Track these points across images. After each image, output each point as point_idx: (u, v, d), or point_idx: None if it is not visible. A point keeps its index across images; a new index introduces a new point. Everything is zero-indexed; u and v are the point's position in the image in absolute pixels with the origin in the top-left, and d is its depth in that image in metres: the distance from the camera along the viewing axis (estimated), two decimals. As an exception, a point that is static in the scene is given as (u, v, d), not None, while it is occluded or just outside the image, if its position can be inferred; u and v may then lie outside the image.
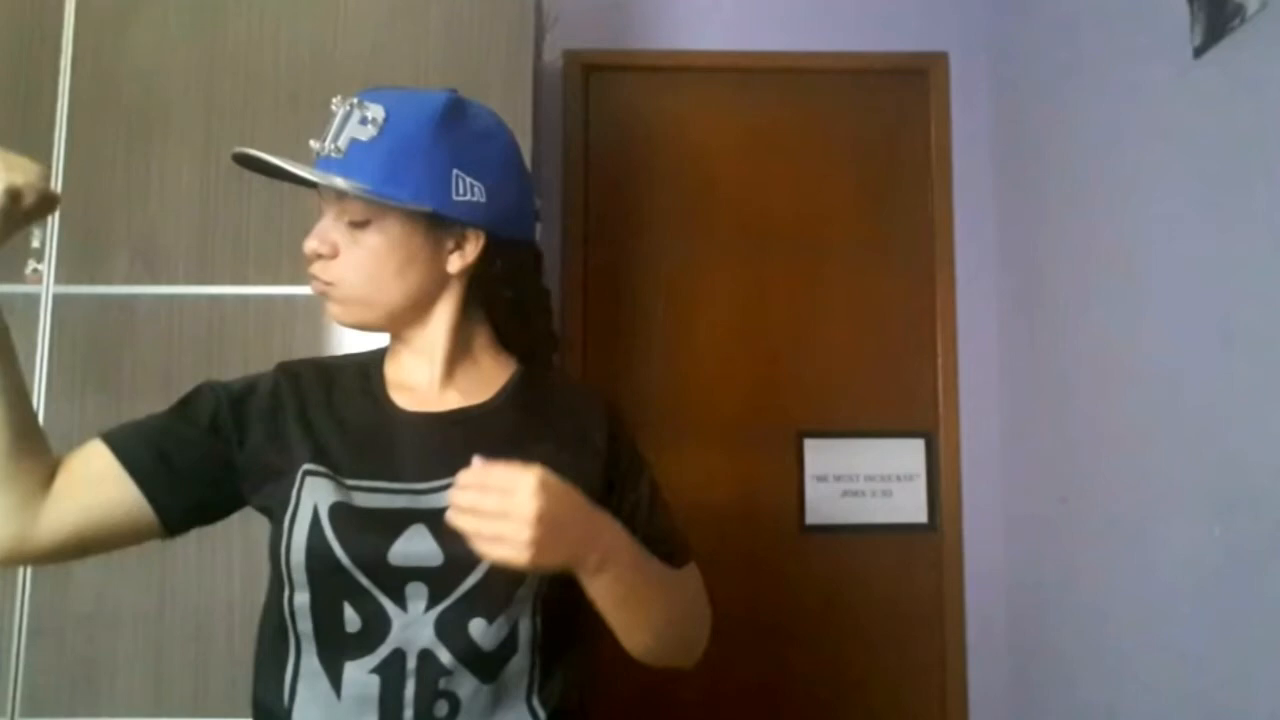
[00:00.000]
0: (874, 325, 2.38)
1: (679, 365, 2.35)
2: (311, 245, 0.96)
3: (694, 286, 2.38)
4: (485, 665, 0.92)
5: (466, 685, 0.91)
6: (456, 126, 0.96)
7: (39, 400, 1.68)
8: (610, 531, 0.90)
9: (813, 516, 2.32)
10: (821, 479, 2.34)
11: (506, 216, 0.99)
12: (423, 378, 1.01)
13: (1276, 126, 1.30)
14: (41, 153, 1.73)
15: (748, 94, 2.44)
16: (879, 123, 2.44)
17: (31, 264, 1.72)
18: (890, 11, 2.44)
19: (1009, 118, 2.31)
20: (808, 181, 2.42)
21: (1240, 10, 1.36)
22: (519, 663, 0.94)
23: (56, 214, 1.72)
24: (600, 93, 2.43)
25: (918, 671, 2.30)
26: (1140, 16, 1.65)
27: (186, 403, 0.99)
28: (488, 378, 1.03)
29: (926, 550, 2.33)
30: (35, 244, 1.72)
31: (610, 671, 1.32)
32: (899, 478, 2.35)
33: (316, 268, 0.97)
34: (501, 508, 0.79)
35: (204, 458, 0.96)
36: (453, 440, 0.96)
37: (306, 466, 0.94)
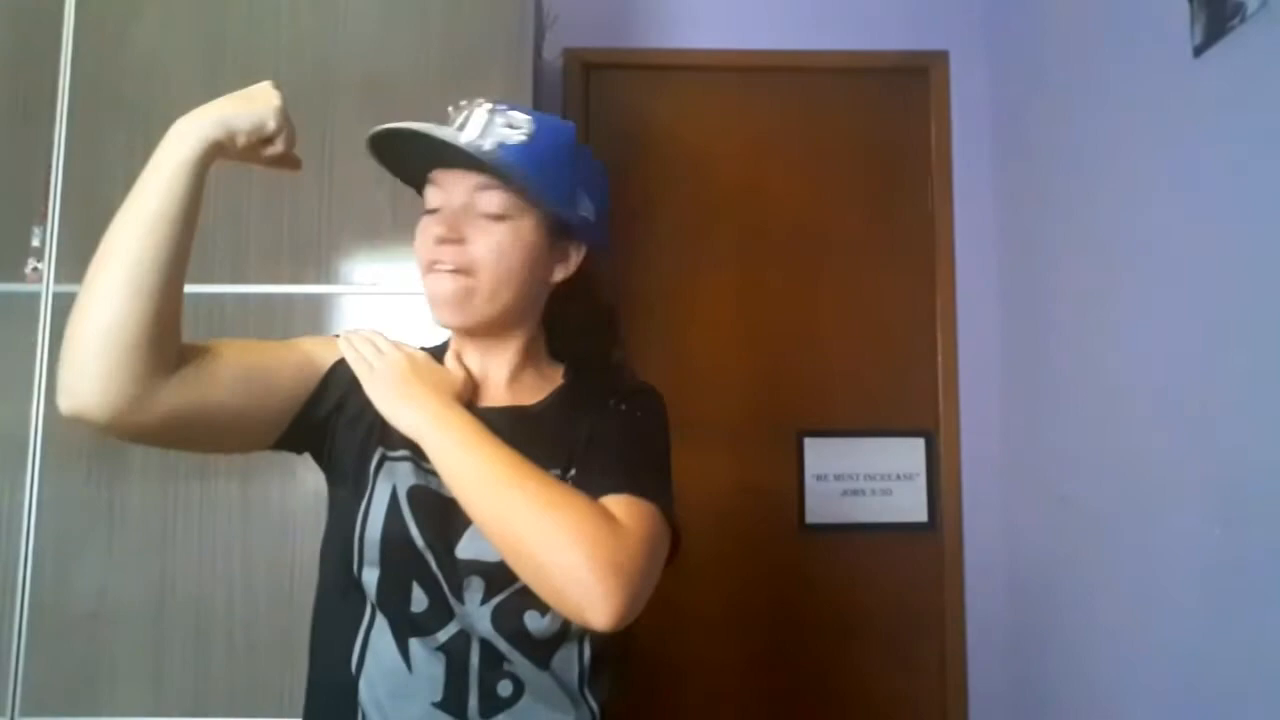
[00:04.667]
0: (874, 325, 2.38)
1: (679, 365, 2.35)
2: (440, 231, 0.96)
3: (694, 286, 2.38)
4: (539, 652, 0.95)
5: (527, 670, 0.95)
6: (582, 152, 1.05)
7: (39, 399, 1.67)
8: (437, 400, 0.94)
9: (812, 515, 2.33)
10: (821, 478, 2.34)
11: (600, 241, 1.07)
12: (490, 376, 1.04)
13: (1276, 126, 1.30)
14: (41, 152, 1.73)
15: (748, 93, 2.44)
16: (879, 123, 2.44)
17: (31, 263, 1.71)
18: (890, 11, 2.44)
19: (1009, 118, 2.31)
20: (807, 181, 2.42)
21: (1240, 9, 1.36)
22: (568, 652, 0.96)
23: (56, 213, 1.72)
24: (600, 91, 2.43)
25: (918, 671, 2.30)
26: (1140, 15, 1.65)
27: (307, 348, 1.02)
28: (542, 382, 1.07)
29: (926, 549, 2.33)
30: (35, 243, 1.71)
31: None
32: (899, 477, 2.35)
33: (447, 252, 0.96)
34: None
35: (311, 395, 1.00)
36: (517, 435, 0.97)
37: (385, 451, 0.97)
